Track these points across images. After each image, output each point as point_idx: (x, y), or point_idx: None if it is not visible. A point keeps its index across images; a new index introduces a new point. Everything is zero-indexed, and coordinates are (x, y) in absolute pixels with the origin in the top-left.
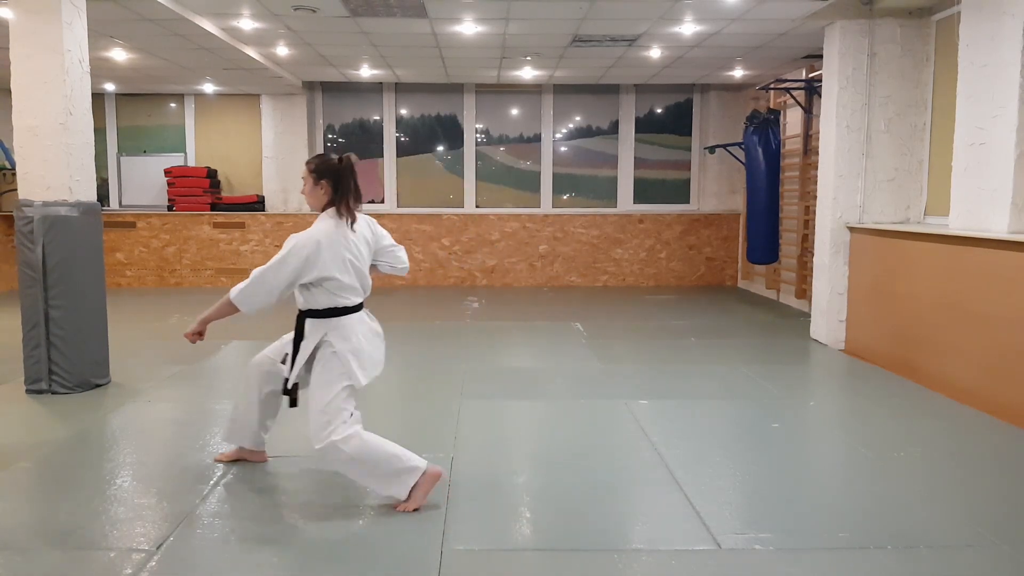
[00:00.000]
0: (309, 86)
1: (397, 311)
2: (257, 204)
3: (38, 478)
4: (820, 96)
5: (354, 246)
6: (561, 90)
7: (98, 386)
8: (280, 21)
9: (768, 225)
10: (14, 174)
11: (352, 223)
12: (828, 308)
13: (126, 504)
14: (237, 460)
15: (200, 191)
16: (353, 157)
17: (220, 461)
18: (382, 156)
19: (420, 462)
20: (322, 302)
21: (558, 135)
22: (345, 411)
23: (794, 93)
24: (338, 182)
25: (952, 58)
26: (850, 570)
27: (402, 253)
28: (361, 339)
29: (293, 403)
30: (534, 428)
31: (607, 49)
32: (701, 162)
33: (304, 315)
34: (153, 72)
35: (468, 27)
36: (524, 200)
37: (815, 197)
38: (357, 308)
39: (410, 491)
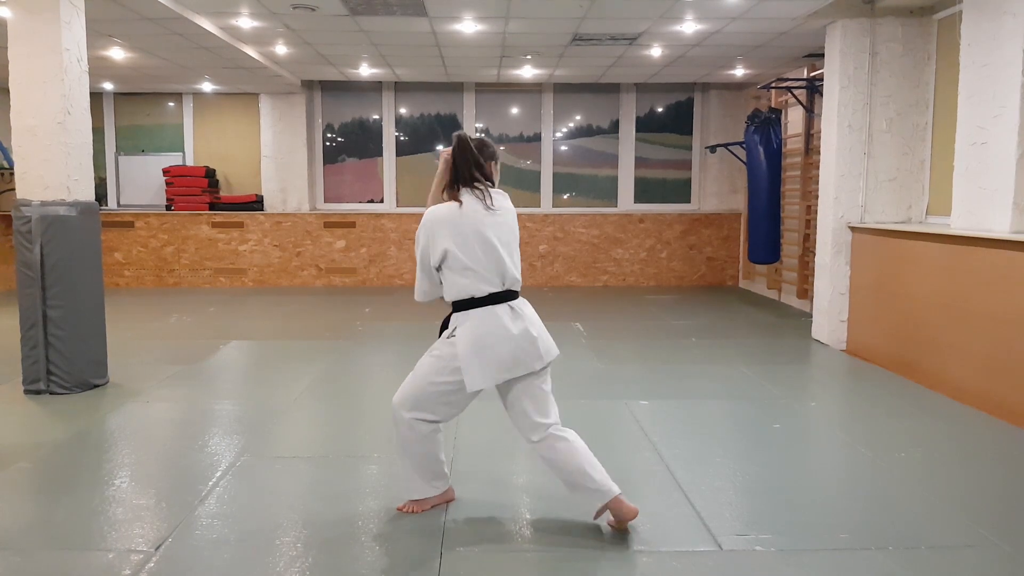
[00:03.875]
0: (308, 85)
1: (397, 311)
2: (256, 204)
3: (36, 479)
4: (821, 95)
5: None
6: (561, 89)
7: (96, 386)
8: (279, 20)
9: (769, 225)
10: (12, 174)
11: (488, 199)
12: (829, 308)
13: (125, 505)
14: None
15: (199, 191)
16: (463, 134)
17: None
18: (381, 155)
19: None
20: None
21: (558, 134)
22: None
23: (795, 92)
24: (455, 162)
25: (953, 57)
26: (851, 571)
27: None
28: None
29: None
30: None
31: (607, 48)
32: (702, 161)
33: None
34: (152, 71)
35: (468, 26)
36: (524, 200)
37: (816, 197)
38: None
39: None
